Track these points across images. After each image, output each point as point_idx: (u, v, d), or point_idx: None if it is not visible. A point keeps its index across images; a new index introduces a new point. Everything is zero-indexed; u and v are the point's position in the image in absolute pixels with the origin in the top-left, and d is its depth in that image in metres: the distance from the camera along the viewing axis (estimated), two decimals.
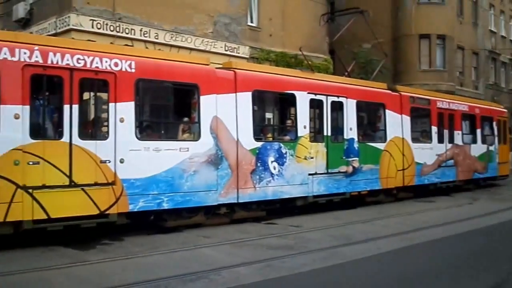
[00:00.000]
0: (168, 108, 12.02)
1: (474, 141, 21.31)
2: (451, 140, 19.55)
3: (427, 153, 18.21)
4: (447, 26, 33.90)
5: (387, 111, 16.54)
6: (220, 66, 12.89)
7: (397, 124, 16.88)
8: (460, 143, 20.13)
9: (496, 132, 23.11)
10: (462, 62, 37.37)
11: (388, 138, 16.50)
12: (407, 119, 17.29)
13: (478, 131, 21.61)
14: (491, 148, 22.53)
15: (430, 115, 18.61)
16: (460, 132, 20.18)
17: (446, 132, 19.27)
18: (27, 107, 8.98)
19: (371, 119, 16.75)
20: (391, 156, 16.51)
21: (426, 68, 33.13)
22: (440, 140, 18.93)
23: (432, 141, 18.55)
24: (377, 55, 22.44)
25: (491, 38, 42.77)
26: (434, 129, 18.67)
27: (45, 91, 9.56)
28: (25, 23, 19.21)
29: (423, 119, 18.59)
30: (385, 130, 16.50)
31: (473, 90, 38.01)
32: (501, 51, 44.30)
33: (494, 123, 23.12)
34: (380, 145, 16.23)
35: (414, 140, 17.67)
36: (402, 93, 17.55)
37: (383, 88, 17.00)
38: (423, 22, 32.91)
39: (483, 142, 21.93)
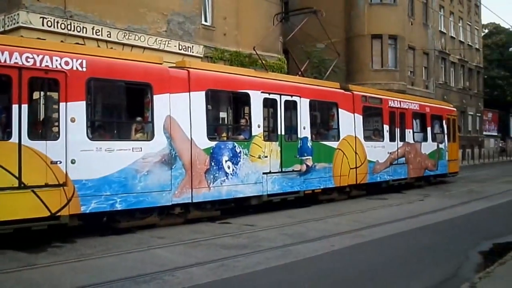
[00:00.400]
0: (121, 107, 11.93)
1: (425, 139, 21.81)
2: (403, 138, 19.98)
3: (379, 151, 18.57)
4: (398, 27, 34.78)
5: (340, 110, 16.77)
6: (174, 65, 12.83)
7: (349, 123, 17.14)
8: (411, 141, 20.59)
9: (446, 130, 23.67)
10: (413, 62, 38.34)
11: (341, 137, 16.74)
12: (359, 118, 17.56)
13: (429, 129, 22.12)
14: (441, 146, 23.10)
15: (382, 114, 18.97)
16: (411, 130, 20.63)
17: (397, 130, 19.68)
18: None
19: (324, 118, 16.96)
20: (344, 154, 16.74)
21: (378, 68, 33.90)
22: (392, 138, 19.33)
23: (384, 139, 18.91)
24: (330, 54, 22.81)
25: (441, 39, 44.00)
26: (386, 127, 19.06)
27: None
28: None
29: (375, 118, 18.95)
30: (338, 129, 16.73)
31: (423, 89, 39.02)
32: (451, 51, 45.66)
33: (444, 122, 23.67)
34: (333, 144, 16.44)
35: (367, 138, 17.96)
36: (355, 92, 17.83)
37: (336, 88, 17.24)
38: (375, 22, 33.70)
39: (433, 140, 22.48)
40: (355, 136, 17.33)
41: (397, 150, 19.59)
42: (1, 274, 7.60)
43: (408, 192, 19.86)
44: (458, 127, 27.33)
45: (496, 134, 56.59)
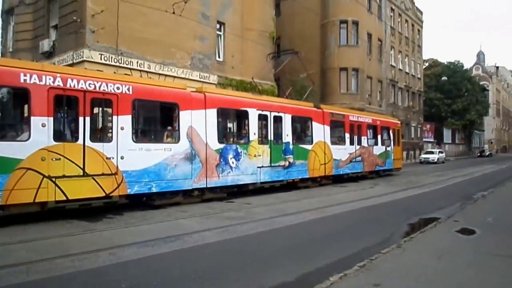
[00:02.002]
0: (156, 119, 12.01)
1: (376, 143, 21.90)
2: (359, 143, 20.12)
3: (342, 152, 18.71)
4: (359, 62, 34.84)
5: (313, 122, 16.97)
6: (194, 90, 13.06)
7: (320, 132, 17.31)
8: (366, 145, 20.72)
9: (392, 137, 23.73)
10: (370, 88, 38.21)
11: (314, 142, 16.91)
12: (327, 128, 17.72)
13: (379, 136, 22.22)
14: (388, 148, 23.20)
15: (344, 125, 19.12)
16: (366, 137, 20.76)
17: (355, 137, 19.82)
18: (51, 118, 9.03)
19: (302, 128, 17.04)
20: (316, 154, 16.94)
21: (344, 92, 33.88)
22: (351, 143, 19.49)
23: (345, 143, 19.07)
24: (309, 82, 23.11)
25: (391, 70, 44.06)
26: (347, 135, 19.22)
27: (64, 107, 9.58)
28: (49, 55, 18.85)
29: (339, 128, 18.98)
30: (312, 136, 16.89)
31: (378, 107, 39.05)
32: (398, 80, 45.73)
33: (391, 131, 23.75)
34: (308, 147, 16.61)
35: (333, 143, 18.10)
36: (325, 110, 18.01)
37: (311, 106, 17.42)
38: (343, 59, 33.82)
39: (382, 144, 22.57)
40: (324, 141, 17.49)
41: (355, 151, 19.74)
42: (69, 236, 7.89)
43: (363, 182, 19.89)
44: (401, 135, 27.52)
45: (432, 140, 56.54)
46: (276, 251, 7.10)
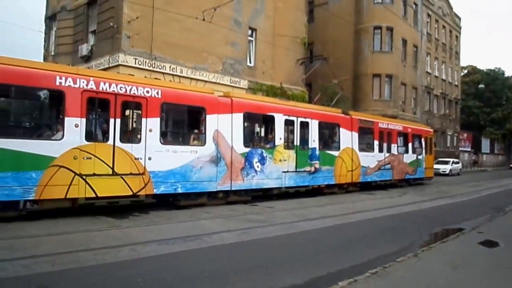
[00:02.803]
0: (184, 123, 12.31)
1: (407, 151, 21.52)
2: (389, 150, 19.81)
3: (370, 159, 18.49)
4: (393, 68, 34.36)
5: (341, 129, 16.88)
6: (221, 94, 13.31)
7: (348, 138, 17.20)
8: (396, 152, 20.38)
9: (423, 146, 23.26)
10: (404, 94, 37.58)
11: (341, 148, 16.81)
12: (355, 135, 17.57)
13: (410, 144, 21.82)
14: (420, 157, 22.74)
15: (373, 132, 18.89)
16: (396, 145, 20.41)
17: (385, 144, 19.53)
18: (84, 119, 9.48)
19: (329, 134, 16.95)
20: (343, 160, 16.83)
21: (377, 98, 33.51)
22: (380, 150, 19.23)
23: (374, 151, 18.83)
24: (338, 89, 22.96)
25: (427, 77, 43.08)
26: (376, 142, 18.97)
27: (97, 109, 9.98)
28: (87, 59, 19.60)
29: (368, 135, 18.76)
30: (339, 142, 16.80)
31: (412, 115, 38.27)
32: (434, 87, 44.66)
33: (423, 139, 23.27)
34: (335, 153, 16.53)
35: (361, 150, 17.92)
36: (353, 116, 17.87)
37: (338, 113, 17.33)
38: (376, 65, 33.48)
39: (413, 152, 22.14)
40: (352, 148, 17.35)
41: (384, 159, 19.45)
42: (96, 232, 8.25)
43: (392, 190, 19.59)
44: (434, 144, 26.86)
45: (469, 149, 54.84)
46: (291, 254, 7.17)
